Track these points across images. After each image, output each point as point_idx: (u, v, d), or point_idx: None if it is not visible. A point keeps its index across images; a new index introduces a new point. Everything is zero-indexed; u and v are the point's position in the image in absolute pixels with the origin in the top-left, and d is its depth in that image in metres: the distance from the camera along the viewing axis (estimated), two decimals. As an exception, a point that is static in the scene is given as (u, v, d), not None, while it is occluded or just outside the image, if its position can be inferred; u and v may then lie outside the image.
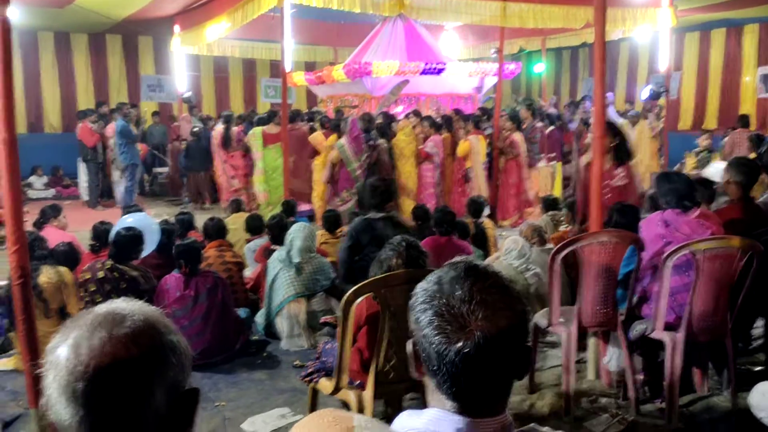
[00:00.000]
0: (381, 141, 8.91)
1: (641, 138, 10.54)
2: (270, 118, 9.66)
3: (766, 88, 13.91)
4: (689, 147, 11.74)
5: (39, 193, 12.71)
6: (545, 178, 10.03)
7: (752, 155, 8.74)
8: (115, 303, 1.02)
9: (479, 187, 9.02)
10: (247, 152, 10.11)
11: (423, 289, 1.13)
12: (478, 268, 1.14)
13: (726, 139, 10.71)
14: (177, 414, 0.99)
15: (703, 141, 10.52)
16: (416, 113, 9.70)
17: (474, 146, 9.03)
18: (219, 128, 10.76)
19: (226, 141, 10.51)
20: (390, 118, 9.69)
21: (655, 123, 11.92)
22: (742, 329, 4.21)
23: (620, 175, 5.55)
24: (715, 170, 10.23)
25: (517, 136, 9.22)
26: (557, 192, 10.03)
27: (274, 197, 9.14)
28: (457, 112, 9.96)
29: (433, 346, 1.07)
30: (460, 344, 1.04)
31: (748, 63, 14.34)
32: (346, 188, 8.71)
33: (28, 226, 5.02)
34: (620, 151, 5.66)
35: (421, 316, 1.10)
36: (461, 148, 9.08)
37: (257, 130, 9.49)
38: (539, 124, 9.88)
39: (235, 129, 10.60)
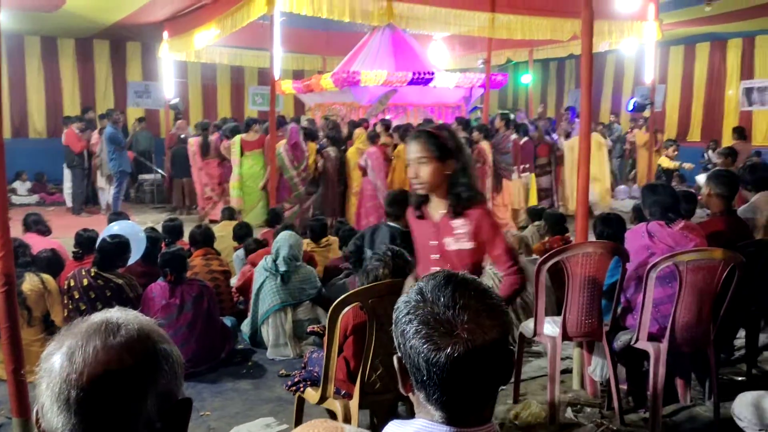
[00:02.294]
0: (329, 149, 9.02)
1: (595, 151, 9.79)
2: (248, 125, 9.85)
3: (749, 101, 14.10)
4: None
5: (23, 199, 12.61)
6: (519, 189, 10.05)
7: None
8: (110, 312, 1.03)
9: None
10: (222, 161, 10.30)
11: (405, 301, 1.15)
12: (457, 275, 1.16)
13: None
14: (169, 424, 1.00)
15: (718, 158, 9.35)
16: (383, 123, 9.52)
17: None
18: (197, 137, 10.82)
19: (204, 149, 10.56)
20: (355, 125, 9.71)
21: (639, 134, 12.06)
22: (724, 340, 4.25)
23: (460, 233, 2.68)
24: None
25: (484, 145, 9.21)
26: (533, 203, 10.06)
27: (248, 204, 9.38)
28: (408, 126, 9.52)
29: (422, 355, 1.08)
30: (449, 349, 1.05)
31: (731, 76, 14.53)
32: (286, 197, 8.91)
33: (15, 232, 4.97)
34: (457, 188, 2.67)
35: (407, 327, 1.11)
36: None
37: (236, 138, 9.65)
38: (513, 136, 9.85)
39: (212, 137, 10.68)
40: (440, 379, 1.07)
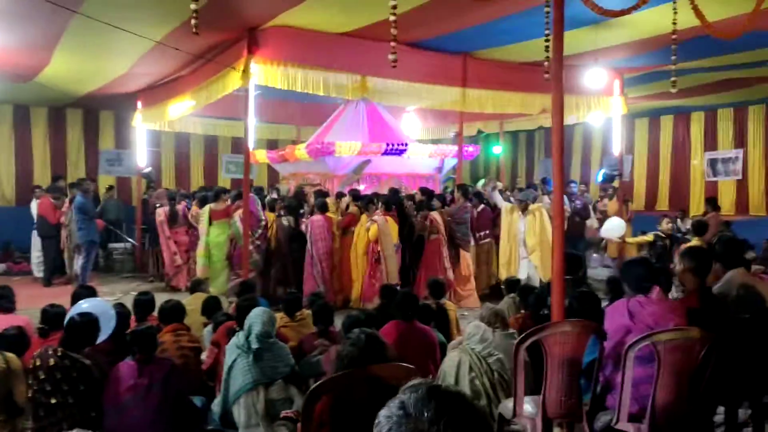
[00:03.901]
0: (282, 219, 9.16)
1: (535, 222, 9.54)
2: (217, 195, 9.99)
3: (714, 171, 14.52)
4: (643, 227, 12.09)
5: (-13, 269, 12.31)
6: (483, 256, 10.04)
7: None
8: None
9: (391, 269, 8.76)
10: (189, 228, 10.58)
11: (386, 416, 1.11)
12: (440, 388, 1.14)
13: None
14: None
15: (665, 224, 10.41)
16: (351, 193, 9.63)
17: (382, 228, 8.78)
18: (165, 207, 11.12)
19: (172, 218, 10.85)
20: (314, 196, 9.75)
21: (611, 204, 12.26)
22: (704, 417, 4.21)
23: None
24: (612, 226, 10.36)
25: (435, 215, 9.24)
26: (494, 270, 10.07)
27: (213, 273, 9.46)
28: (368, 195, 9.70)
29: None
30: None
31: (695, 147, 15.03)
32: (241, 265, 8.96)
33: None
34: None
35: None
36: (371, 231, 8.80)
37: (206, 207, 9.81)
38: (468, 204, 9.90)
39: (179, 206, 10.99)
40: None
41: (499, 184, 13.31)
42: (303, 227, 9.14)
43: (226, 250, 9.44)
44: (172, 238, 10.83)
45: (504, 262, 9.75)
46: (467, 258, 9.61)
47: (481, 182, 13.33)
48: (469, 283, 9.52)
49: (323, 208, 9.11)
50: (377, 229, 8.76)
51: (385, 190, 10.34)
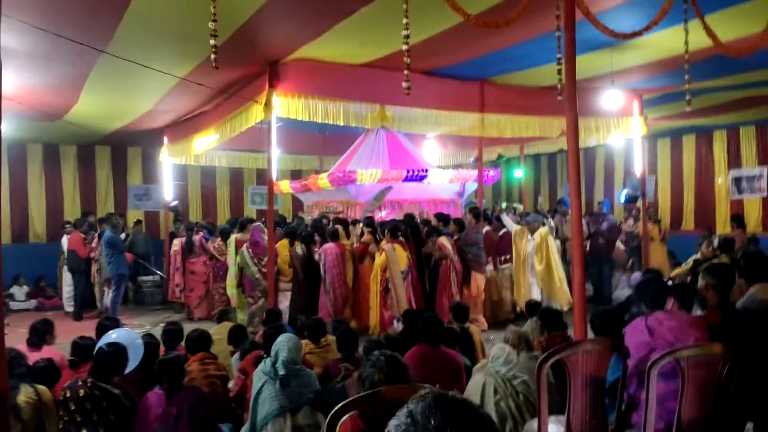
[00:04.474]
0: (296, 247, 9.26)
1: (542, 245, 9.61)
2: (243, 226, 10.21)
3: (739, 190, 14.36)
4: (671, 246, 11.97)
5: (20, 305, 12.56)
6: (501, 281, 9.95)
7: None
8: None
9: (400, 297, 8.69)
10: (211, 258, 10.88)
11: (395, 425, 1.14)
12: (446, 396, 1.16)
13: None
14: None
15: (705, 248, 9.54)
16: (366, 221, 9.65)
17: (389, 256, 8.75)
18: (181, 238, 11.83)
19: (188, 247, 11.39)
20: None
21: (632, 226, 12.18)
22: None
23: None
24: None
25: (444, 240, 9.21)
26: (517, 296, 9.94)
27: (242, 301, 9.61)
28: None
29: None
30: None
31: (719, 166, 14.88)
32: (251, 291, 9.26)
33: (12, 339, 4.94)
34: None
35: None
36: (380, 259, 8.82)
37: (232, 238, 10.05)
38: (486, 228, 9.84)
39: (196, 237, 11.40)
40: None
41: (520, 207, 13.30)
42: (316, 256, 9.20)
43: (237, 279, 9.66)
44: (188, 269, 11.32)
45: (520, 288, 9.73)
46: (477, 280, 9.51)
47: (504, 205, 13.36)
48: (476, 307, 9.34)
49: (335, 236, 9.18)
50: (386, 257, 8.78)
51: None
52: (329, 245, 9.10)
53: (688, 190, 15.51)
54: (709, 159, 15.08)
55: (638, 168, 11.66)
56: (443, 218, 10.11)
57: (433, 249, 9.25)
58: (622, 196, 12.66)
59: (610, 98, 9.62)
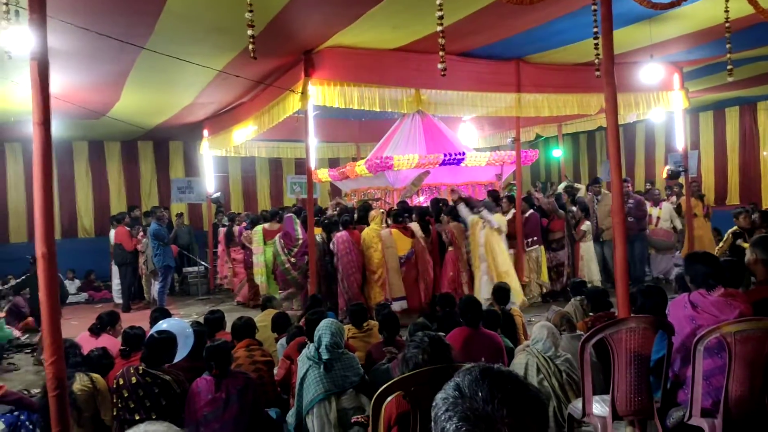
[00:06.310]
0: (315, 235, 9.06)
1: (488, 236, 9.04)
2: (273, 216, 10.46)
3: (785, 161, 13.98)
4: (717, 223, 11.68)
5: (72, 298, 12.94)
6: (532, 264, 9.79)
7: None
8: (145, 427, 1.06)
9: (392, 280, 8.71)
10: (244, 248, 11.20)
11: (443, 398, 1.16)
12: (492, 369, 1.18)
13: None
14: None
15: (742, 220, 8.81)
16: (399, 205, 9.60)
17: (385, 241, 8.80)
18: (224, 228, 12.64)
19: (228, 237, 12.08)
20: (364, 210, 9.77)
21: (695, 201, 11.76)
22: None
23: None
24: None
25: (453, 227, 9.11)
26: (544, 278, 9.83)
27: (272, 289, 9.87)
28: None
29: None
30: None
31: (764, 138, 14.47)
32: (283, 279, 9.45)
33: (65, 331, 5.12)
34: None
35: (447, 424, 1.11)
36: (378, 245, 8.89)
37: (258, 228, 10.28)
38: (498, 208, 9.59)
39: (236, 228, 11.98)
40: None
41: (581, 186, 12.96)
42: (331, 244, 9.15)
43: (270, 267, 9.89)
44: (232, 257, 12.05)
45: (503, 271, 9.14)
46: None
47: (563, 185, 13.14)
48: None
49: (346, 224, 9.16)
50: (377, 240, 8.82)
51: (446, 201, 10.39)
52: (341, 233, 9.02)
53: (732, 164, 15.13)
54: (754, 131, 14.67)
55: (680, 143, 11.40)
56: (494, 195, 10.09)
57: (442, 229, 9.22)
58: (664, 172, 12.41)
59: (650, 72, 9.40)
